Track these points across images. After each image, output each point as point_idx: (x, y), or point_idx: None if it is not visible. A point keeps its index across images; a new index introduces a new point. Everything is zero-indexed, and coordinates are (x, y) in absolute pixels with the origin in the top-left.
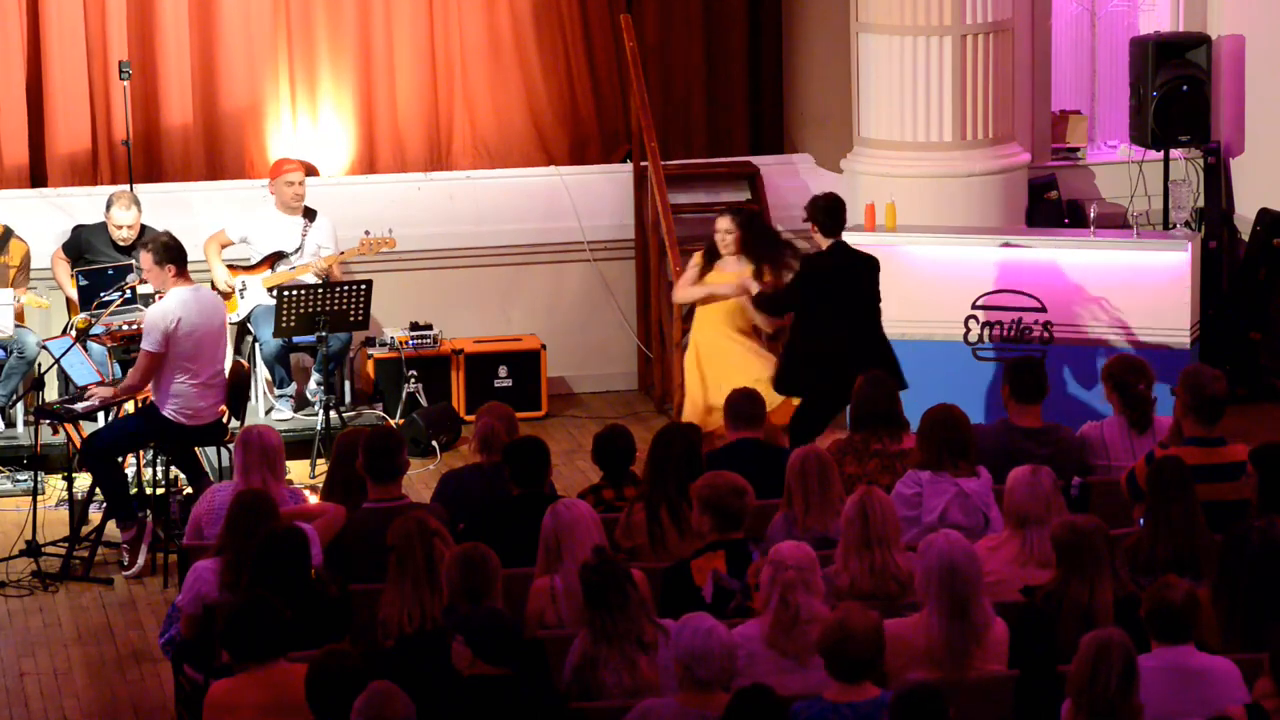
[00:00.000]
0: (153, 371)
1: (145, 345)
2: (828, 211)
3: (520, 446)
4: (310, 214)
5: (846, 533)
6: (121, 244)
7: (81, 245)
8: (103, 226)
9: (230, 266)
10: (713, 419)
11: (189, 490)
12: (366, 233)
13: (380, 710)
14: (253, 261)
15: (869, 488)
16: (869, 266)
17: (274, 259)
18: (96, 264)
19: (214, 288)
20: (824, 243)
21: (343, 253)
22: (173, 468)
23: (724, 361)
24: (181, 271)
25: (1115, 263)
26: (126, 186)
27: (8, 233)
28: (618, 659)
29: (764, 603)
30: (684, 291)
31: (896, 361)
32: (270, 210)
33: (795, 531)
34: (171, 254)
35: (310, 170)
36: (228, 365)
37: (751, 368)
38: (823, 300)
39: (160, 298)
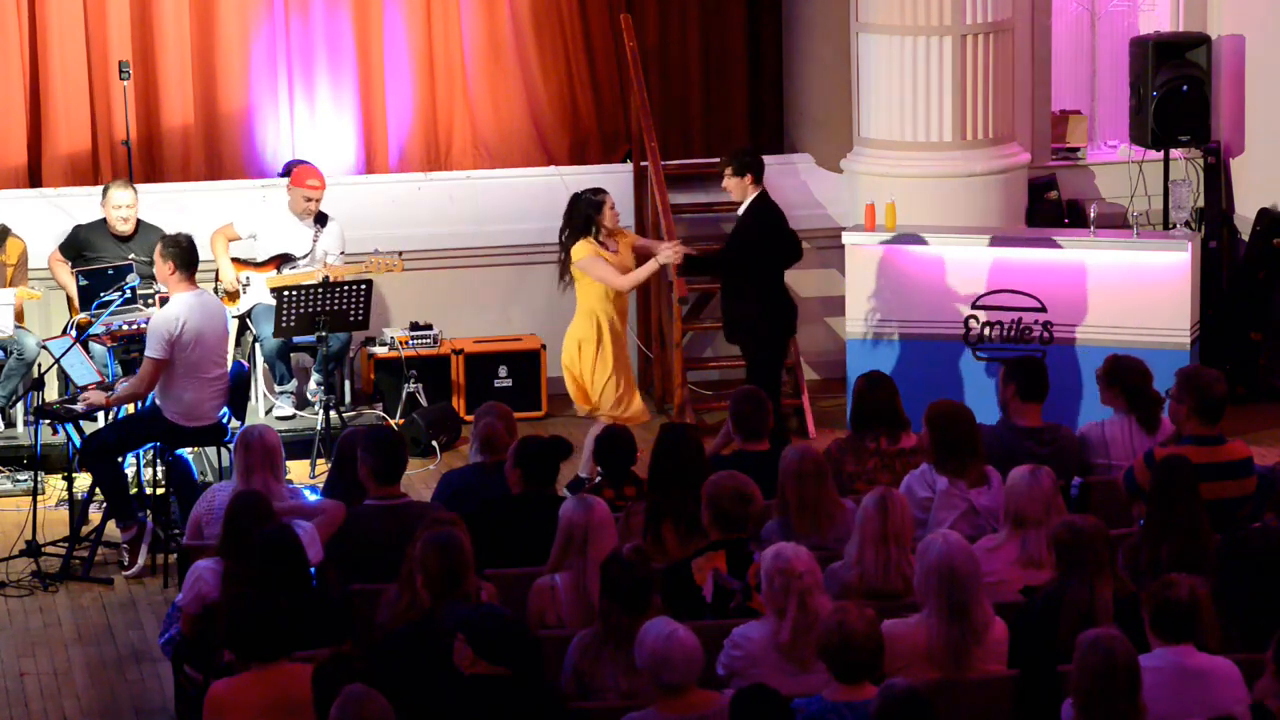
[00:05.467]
0: (156, 378)
1: (149, 352)
2: (759, 161)
3: (536, 447)
4: (322, 219)
5: (863, 528)
6: (122, 227)
7: (80, 244)
8: (102, 223)
9: (236, 261)
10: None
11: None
12: (375, 251)
13: (357, 713)
14: (259, 259)
15: (888, 488)
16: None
17: (280, 260)
18: (97, 261)
19: (217, 280)
20: (753, 191)
21: (342, 253)
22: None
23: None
24: (189, 277)
25: (1115, 263)
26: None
27: (4, 231)
28: (621, 660)
29: (778, 611)
30: (628, 279)
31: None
32: (283, 210)
33: (788, 534)
34: (182, 257)
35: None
36: (229, 362)
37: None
38: (771, 247)
39: (160, 299)
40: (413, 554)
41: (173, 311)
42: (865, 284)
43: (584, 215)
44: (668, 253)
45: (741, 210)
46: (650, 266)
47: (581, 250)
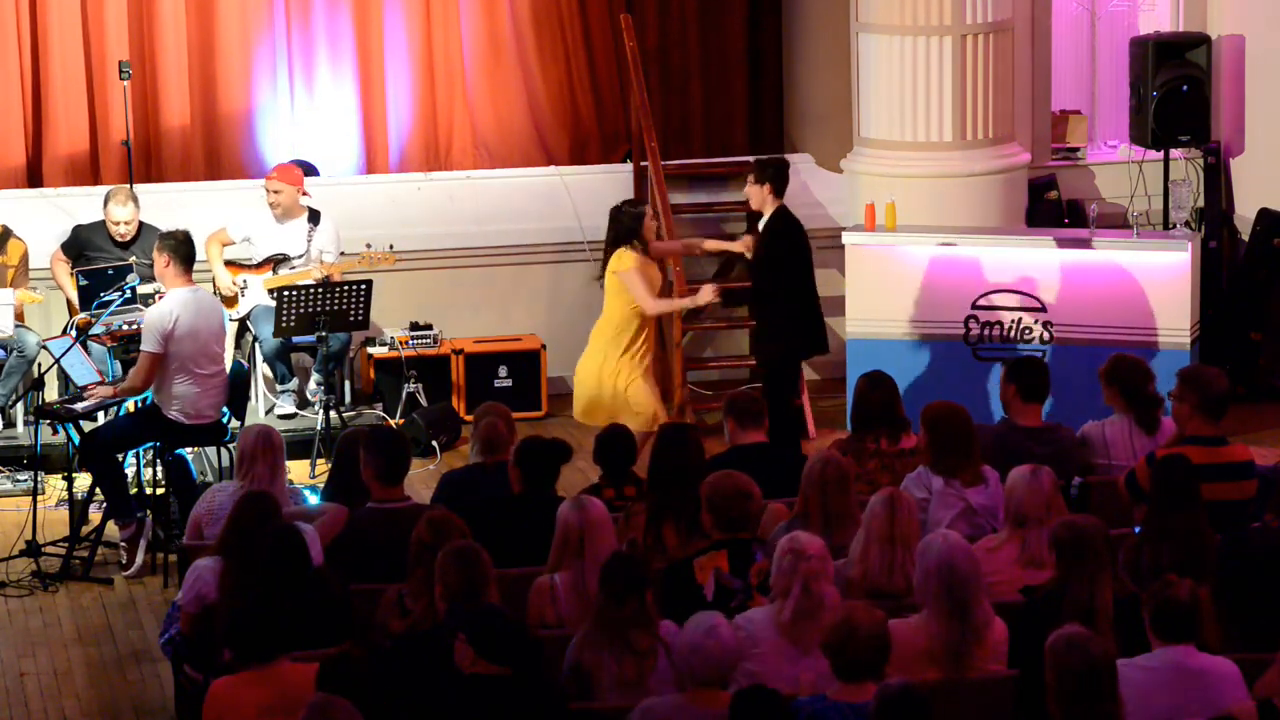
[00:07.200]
0: (153, 372)
1: (145, 346)
2: (781, 173)
3: (538, 447)
4: (315, 217)
5: (870, 526)
6: (120, 239)
7: (81, 244)
8: (102, 224)
9: (232, 264)
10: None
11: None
12: (368, 245)
13: None
14: (255, 261)
15: (897, 490)
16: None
17: (276, 261)
18: (97, 262)
19: (215, 286)
20: (772, 204)
21: (342, 253)
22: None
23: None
24: (184, 272)
25: (1115, 263)
26: (125, 185)
27: (6, 232)
28: (617, 654)
29: (782, 591)
30: (657, 305)
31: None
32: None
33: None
34: (179, 251)
35: (309, 170)
36: (228, 362)
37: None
38: (798, 259)
39: (160, 298)
40: (411, 558)
41: (166, 307)
42: (865, 284)
43: (628, 227)
44: (707, 295)
45: (761, 226)
46: (684, 302)
47: (626, 260)
